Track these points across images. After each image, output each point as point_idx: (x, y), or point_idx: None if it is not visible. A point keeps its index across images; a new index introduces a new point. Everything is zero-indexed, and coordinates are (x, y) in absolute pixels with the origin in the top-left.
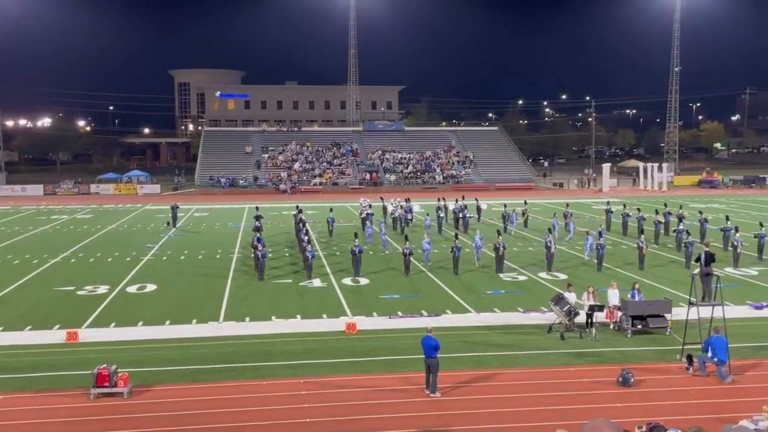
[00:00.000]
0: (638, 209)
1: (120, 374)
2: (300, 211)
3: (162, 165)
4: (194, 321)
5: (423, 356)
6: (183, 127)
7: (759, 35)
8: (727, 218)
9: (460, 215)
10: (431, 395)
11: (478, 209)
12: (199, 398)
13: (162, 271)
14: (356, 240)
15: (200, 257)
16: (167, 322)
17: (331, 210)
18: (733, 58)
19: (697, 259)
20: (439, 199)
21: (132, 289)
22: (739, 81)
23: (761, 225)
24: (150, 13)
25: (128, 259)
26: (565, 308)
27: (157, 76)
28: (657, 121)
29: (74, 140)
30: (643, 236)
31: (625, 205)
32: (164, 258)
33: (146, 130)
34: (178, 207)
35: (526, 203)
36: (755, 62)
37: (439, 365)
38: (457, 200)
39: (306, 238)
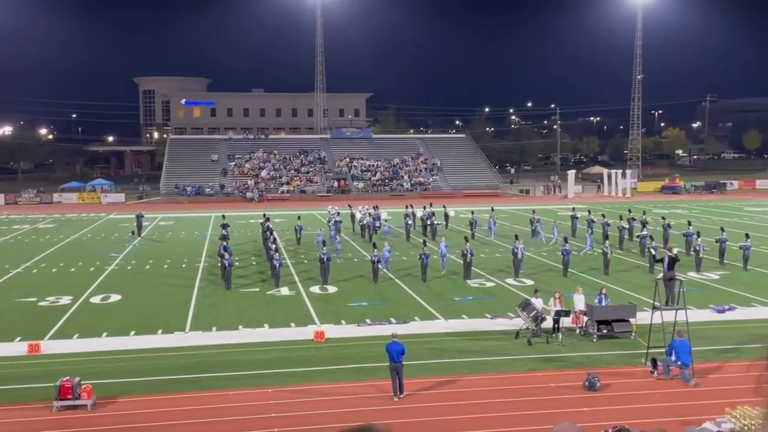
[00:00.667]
0: (603, 215)
1: (83, 386)
2: (267, 219)
3: (126, 173)
4: (160, 331)
5: (390, 363)
6: (148, 135)
7: (718, 43)
8: (689, 223)
9: (428, 222)
10: (400, 396)
11: (446, 216)
12: (164, 410)
13: (127, 280)
14: (324, 248)
15: (166, 267)
16: (132, 332)
17: (299, 218)
18: (693, 65)
19: (659, 260)
20: (407, 207)
21: (96, 299)
22: (700, 88)
23: (722, 230)
24: (114, 19)
25: (92, 269)
26: (532, 314)
27: (122, 83)
28: (620, 129)
29: (36, 149)
30: (607, 241)
31: (590, 211)
32: (129, 268)
33: (110, 139)
34: (143, 216)
35: (492, 210)
36: (715, 70)
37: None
38: (425, 207)
39: (273, 246)
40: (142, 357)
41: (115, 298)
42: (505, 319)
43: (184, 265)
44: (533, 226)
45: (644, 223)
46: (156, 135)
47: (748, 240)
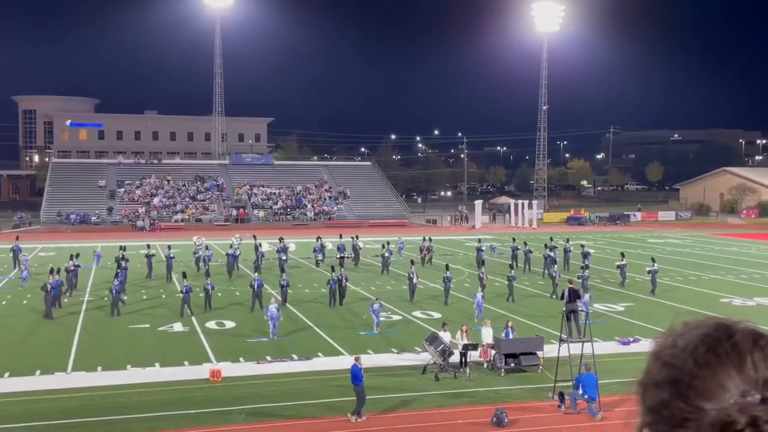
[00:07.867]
0: (525, 243)
1: None
2: (148, 247)
3: (3, 200)
4: (38, 372)
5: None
6: (27, 159)
7: (621, 76)
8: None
9: (339, 256)
10: (356, 419)
11: (355, 249)
12: None
13: (0, 317)
14: (208, 279)
15: None
16: (6, 374)
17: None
18: (597, 97)
19: (561, 296)
20: (317, 238)
21: None
22: (604, 120)
23: (623, 255)
24: None
25: None
26: (440, 348)
27: None
28: (527, 159)
29: None
30: (513, 271)
31: (514, 239)
32: (3, 303)
33: None
34: (20, 248)
35: (424, 240)
36: (618, 102)
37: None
38: (341, 236)
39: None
40: (17, 401)
41: None
42: (411, 354)
43: (66, 300)
44: (422, 254)
45: (566, 251)
46: (37, 158)
47: (655, 264)
